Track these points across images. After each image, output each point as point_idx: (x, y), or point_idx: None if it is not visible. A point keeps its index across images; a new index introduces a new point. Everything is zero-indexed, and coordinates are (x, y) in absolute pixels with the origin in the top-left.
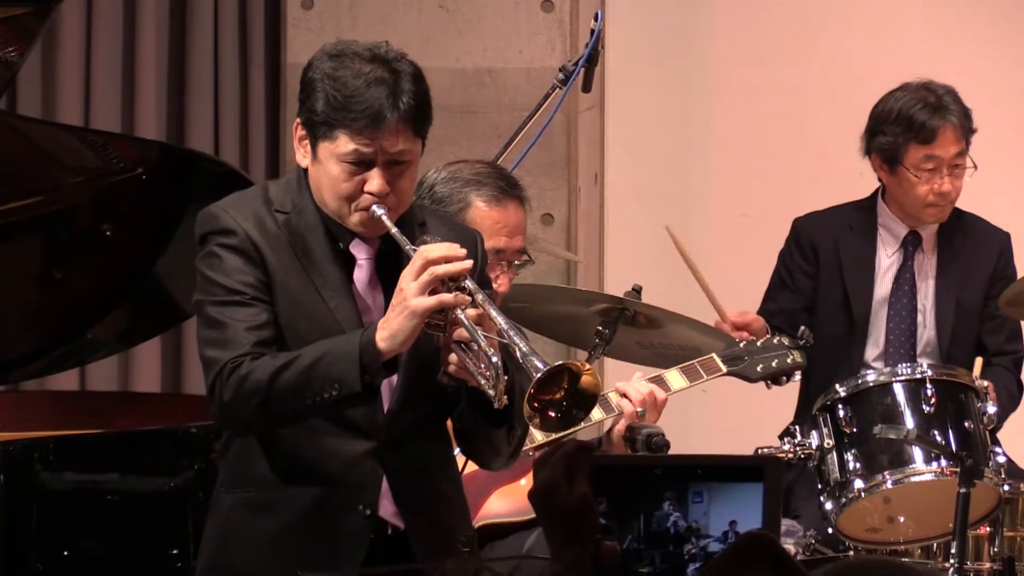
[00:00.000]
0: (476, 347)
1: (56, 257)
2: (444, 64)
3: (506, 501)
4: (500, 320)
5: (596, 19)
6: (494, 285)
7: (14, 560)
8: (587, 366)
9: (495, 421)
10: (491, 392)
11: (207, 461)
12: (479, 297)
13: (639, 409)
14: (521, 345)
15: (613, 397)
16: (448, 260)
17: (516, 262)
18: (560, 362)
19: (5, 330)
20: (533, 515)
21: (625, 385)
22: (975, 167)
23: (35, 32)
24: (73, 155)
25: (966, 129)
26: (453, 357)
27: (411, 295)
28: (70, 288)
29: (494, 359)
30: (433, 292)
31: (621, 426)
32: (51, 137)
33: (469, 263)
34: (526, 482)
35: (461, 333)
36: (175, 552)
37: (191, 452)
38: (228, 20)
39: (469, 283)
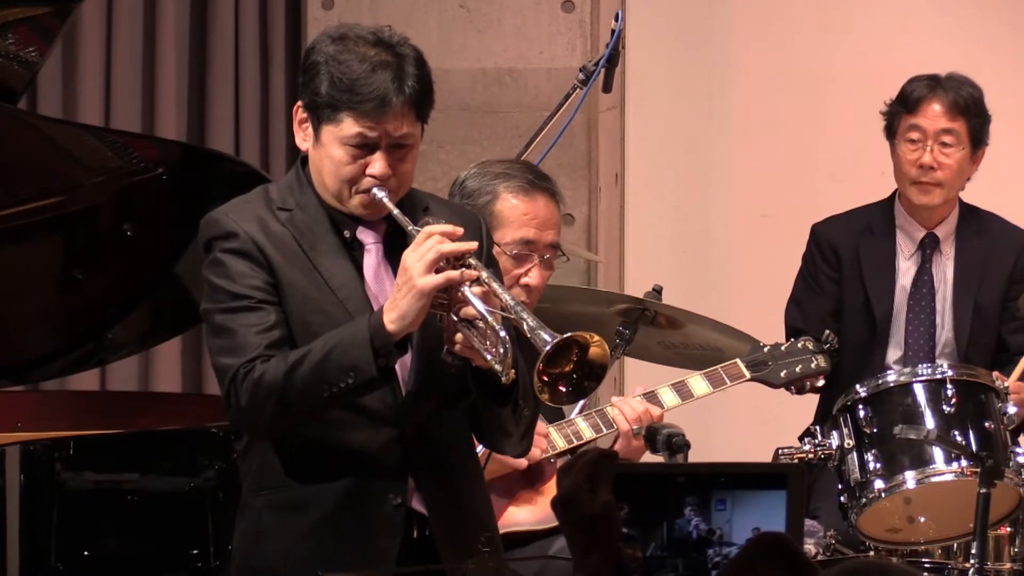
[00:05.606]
0: (483, 323)
1: (76, 257)
2: (465, 64)
3: (529, 510)
4: (505, 296)
5: (616, 19)
6: (524, 278)
7: (34, 560)
8: (595, 337)
9: (500, 399)
10: (498, 367)
11: (227, 461)
12: (484, 274)
13: (635, 427)
14: (528, 319)
15: (610, 411)
16: (452, 238)
17: (548, 256)
18: (568, 334)
19: (25, 330)
20: (556, 524)
21: (621, 401)
22: (971, 148)
23: (55, 32)
24: (93, 155)
25: (961, 109)
26: (458, 336)
27: (417, 274)
28: (90, 288)
29: (502, 333)
30: (439, 271)
31: (619, 445)
32: (71, 137)
33: (474, 244)
34: (548, 491)
35: (468, 311)
36: (195, 552)
37: (211, 452)
38: (248, 20)
39: (473, 260)
